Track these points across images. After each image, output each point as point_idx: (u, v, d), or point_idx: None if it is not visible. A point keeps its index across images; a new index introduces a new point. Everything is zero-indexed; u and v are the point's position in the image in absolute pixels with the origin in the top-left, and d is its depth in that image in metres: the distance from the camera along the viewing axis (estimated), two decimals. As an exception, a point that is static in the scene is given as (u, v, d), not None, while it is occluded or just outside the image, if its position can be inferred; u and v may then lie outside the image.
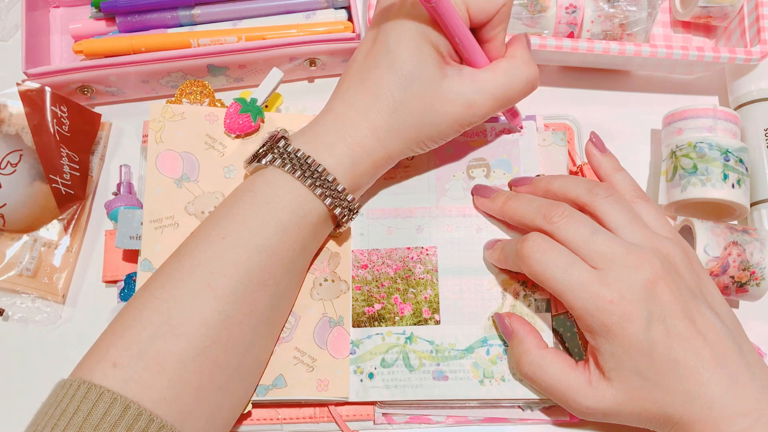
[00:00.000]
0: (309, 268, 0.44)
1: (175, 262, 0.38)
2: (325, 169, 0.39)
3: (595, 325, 0.37)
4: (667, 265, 0.38)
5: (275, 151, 0.40)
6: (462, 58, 0.41)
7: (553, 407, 0.44)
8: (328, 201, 0.39)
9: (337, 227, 0.42)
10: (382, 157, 0.41)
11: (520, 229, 0.44)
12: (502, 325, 0.42)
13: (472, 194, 0.46)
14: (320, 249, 0.45)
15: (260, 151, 0.41)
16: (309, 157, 0.39)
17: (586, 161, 0.50)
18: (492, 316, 0.43)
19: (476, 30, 0.41)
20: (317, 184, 0.39)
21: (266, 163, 0.40)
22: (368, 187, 0.44)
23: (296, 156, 0.39)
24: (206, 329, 0.36)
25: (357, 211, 0.41)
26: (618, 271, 0.37)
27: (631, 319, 0.36)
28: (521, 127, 0.47)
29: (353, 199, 0.40)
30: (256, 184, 0.40)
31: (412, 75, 0.39)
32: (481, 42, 0.42)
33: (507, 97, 0.41)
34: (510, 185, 0.46)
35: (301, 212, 0.39)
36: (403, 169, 0.47)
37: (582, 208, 0.41)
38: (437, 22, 0.38)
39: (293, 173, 0.39)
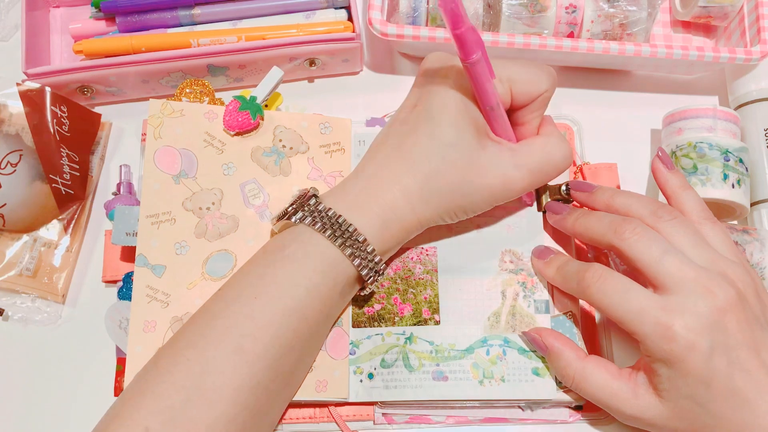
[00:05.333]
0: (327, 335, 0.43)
1: (206, 320, 0.37)
2: (356, 230, 0.38)
3: (656, 352, 0.36)
4: (736, 292, 0.37)
5: (305, 209, 0.39)
6: (493, 131, 0.41)
7: (553, 407, 0.44)
8: (357, 261, 0.38)
9: (361, 290, 0.42)
10: (412, 223, 0.40)
11: (518, 230, 0.44)
12: (534, 342, 0.42)
13: (545, 211, 0.45)
14: None
15: (290, 208, 0.40)
16: (340, 216, 0.38)
17: (587, 161, 0.50)
18: (520, 334, 0.43)
19: (512, 111, 0.41)
20: (347, 244, 0.38)
21: (296, 221, 0.39)
22: (393, 253, 0.43)
23: (327, 215, 0.39)
24: (238, 395, 0.35)
25: (382, 274, 0.40)
26: (685, 297, 0.36)
27: (694, 349, 0.35)
28: (530, 203, 0.46)
29: (380, 260, 0.39)
30: (287, 242, 0.39)
31: (451, 143, 0.39)
32: (515, 123, 0.42)
33: (543, 173, 0.41)
34: (569, 185, 0.44)
35: (331, 274, 0.38)
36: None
37: None
38: (472, 83, 0.38)
39: (323, 232, 0.38)
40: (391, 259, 0.44)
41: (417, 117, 0.40)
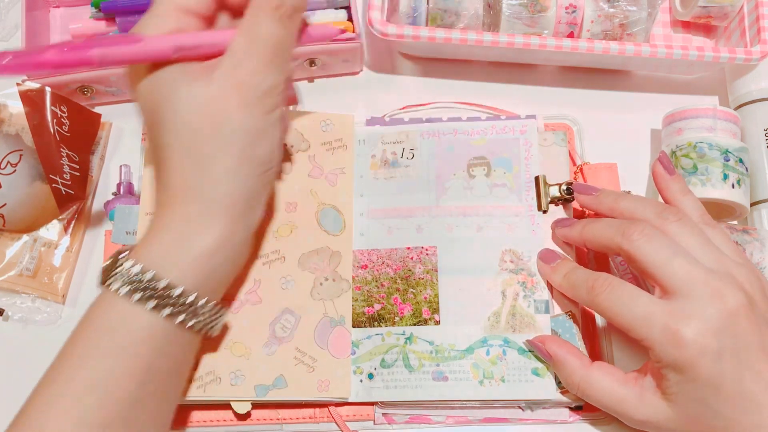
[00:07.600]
0: (188, 385, 0.40)
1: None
2: (169, 283, 0.34)
3: (665, 357, 0.36)
4: (745, 295, 0.36)
5: (114, 273, 0.35)
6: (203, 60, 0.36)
7: (553, 407, 0.44)
8: (168, 310, 0.34)
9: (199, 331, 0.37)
10: (225, 236, 0.36)
11: (518, 228, 0.44)
12: (538, 350, 0.42)
13: (552, 228, 0.45)
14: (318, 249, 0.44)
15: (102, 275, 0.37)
16: (147, 272, 0.34)
17: (586, 161, 0.50)
18: (524, 343, 0.43)
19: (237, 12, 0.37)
20: (147, 296, 0.34)
21: (107, 286, 0.36)
22: (231, 280, 0.39)
23: (133, 274, 0.35)
24: None
25: (220, 316, 0.37)
26: (693, 301, 0.36)
27: (703, 353, 0.35)
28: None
29: (194, 300, 0.35)
30: (92, 315, 0.36)
31: (173, 130, 0.35)
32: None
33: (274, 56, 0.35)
34: (570, 186, 0.44)
35: (123, 330, 0.34)
36: (403, 168, 0.47)
37: None
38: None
39: (130, 296, 0.34)
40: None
41: (151, 136, 0.37)
